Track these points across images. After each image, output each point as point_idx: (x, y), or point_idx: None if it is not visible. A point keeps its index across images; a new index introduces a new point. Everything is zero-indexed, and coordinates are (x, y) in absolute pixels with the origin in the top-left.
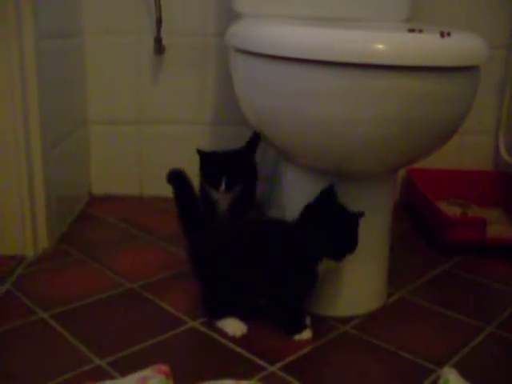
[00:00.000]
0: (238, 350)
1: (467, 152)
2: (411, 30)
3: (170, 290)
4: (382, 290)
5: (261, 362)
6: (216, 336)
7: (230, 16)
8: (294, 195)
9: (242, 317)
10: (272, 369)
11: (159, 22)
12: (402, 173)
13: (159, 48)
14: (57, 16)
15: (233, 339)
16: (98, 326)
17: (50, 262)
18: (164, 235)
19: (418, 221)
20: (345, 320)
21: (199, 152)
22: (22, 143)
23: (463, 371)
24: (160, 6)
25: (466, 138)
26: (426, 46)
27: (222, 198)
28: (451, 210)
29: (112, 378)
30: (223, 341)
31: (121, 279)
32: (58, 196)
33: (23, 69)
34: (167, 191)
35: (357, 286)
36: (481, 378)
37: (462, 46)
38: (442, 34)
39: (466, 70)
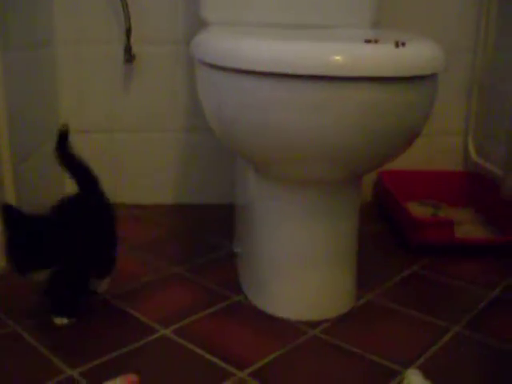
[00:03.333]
0: (207, 356)
1: (438, 153)
2: (367, 41)
3: (141, 298)
4: (351, 294)
5: (230, 368)
6: (186, 344)
7: (198, 24)
8: (261, 205)
9: None
10: (241, 374)
11: (128, 31)
12: (373, 175)
13: (129, 57)
14: (26, 27)
15: (203, 346)
16: (69, 335)
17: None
18: (137, 243)
19: (390, 222)
20: (314, 324)
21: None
22: None
23: (430, 372)
24: (129, 16)
25: (436, 139)
26: (380, 57)
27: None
28: (423, 210)
29: None
30: (193, 347)
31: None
32: (32, 208)
33: None
34: (142, 199)
35: (325, 289)
36: (447, 378)
37: (416, 55)
38: (397, 44)
39: (421, 79)
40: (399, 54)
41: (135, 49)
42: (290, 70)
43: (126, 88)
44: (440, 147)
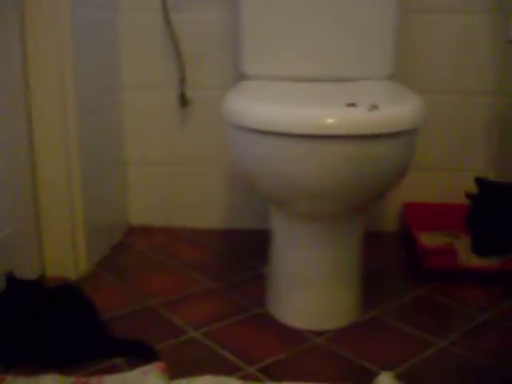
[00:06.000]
0: (224, 353)
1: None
2: (348, 105)
3: (180, 306)
4: (354, 309)
5: (241, 364)
6: (209, 343)
7: (241, 75)
8: (279, 233)
9: None
10: (250, 370)
11: (183, 79)
12: (398, 206)
13: (184, 102)
14: (96, 78)
15: (222, 346)
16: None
17: (88, 281)
18: (185, 261)
19: (409, 250)
20: (319, 333)
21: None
22: (65, 184)
23: (404, 375)
24: (184, 67)
25: (460, 175)
26: (356, 119)
27: None
28: (442, 240)
29: None
30: (212, 345)
31: (143, 297)
32: (99, 227)
33: (66, 124)
34: (193, 223)
35: (331, 304)
36: (419, 381)
37: (386, 117)
38: (371, 108)
39: (394, 136)
40: (371, 116)
41: (190, 94)
42: (287, 130)
43: (181, 128)
44: (465, 182)
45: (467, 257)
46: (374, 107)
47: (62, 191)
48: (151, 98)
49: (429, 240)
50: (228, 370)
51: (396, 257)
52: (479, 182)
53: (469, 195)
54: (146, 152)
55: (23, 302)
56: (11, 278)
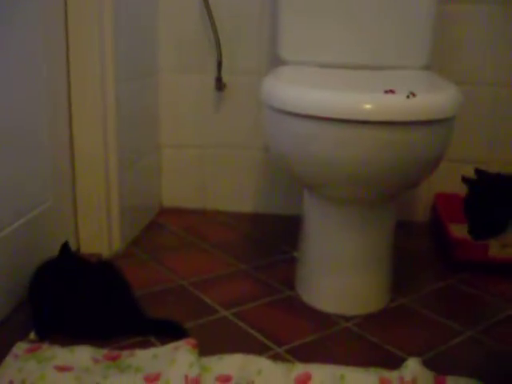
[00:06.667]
0: (254, 333)
1: None
2: (386, 91)
3: (211, 286)
4: (383, 296)
5: (270, 344)
6: (239, 323)
7: (276, 60)
8: (312, 217)
9: None
10: (278, 350)
11: (219, 64)
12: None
13: (219, 85)
14: (134, 62)
15: (251, 326)
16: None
17: (120, 260)
18: (217, 243)
19: (439, 240)
20: (348, 318)
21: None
22: (101, 165)
23: (430, 362)
24: (221, 51)
25: (495, 168)
26: (394, 106)
27: None
28: None
29: None
30: (243, 325)
31: (174, 276)
32: (132, 207)
33: (105, 107)
34: (225, 206)
35: (360, 290)
36: (444, 368)
37: (423, 104)
38: (409, 96)
39: (430, 123)
40: (409, 104)
41: (225, 78)
42: (325, 114)
43: (216, 111)
44: None
45: (498, 249)
46: (412, 94)
47: (99, 171)
48: (187, 81)
49: (459, 231)
50: (257, 349)
51: (426, 246)
52: (478, 172)
53: (465, 180)
54: (180, 134)
55: (68, 272)
56: (66, 247)
